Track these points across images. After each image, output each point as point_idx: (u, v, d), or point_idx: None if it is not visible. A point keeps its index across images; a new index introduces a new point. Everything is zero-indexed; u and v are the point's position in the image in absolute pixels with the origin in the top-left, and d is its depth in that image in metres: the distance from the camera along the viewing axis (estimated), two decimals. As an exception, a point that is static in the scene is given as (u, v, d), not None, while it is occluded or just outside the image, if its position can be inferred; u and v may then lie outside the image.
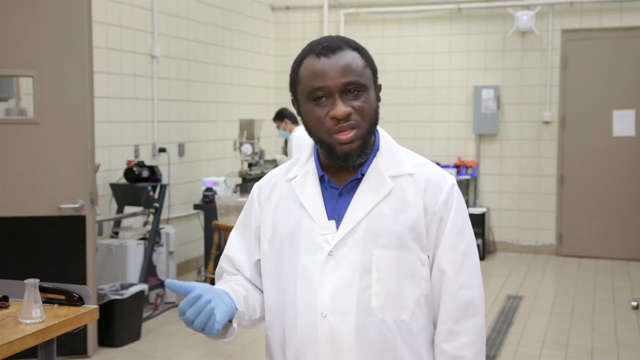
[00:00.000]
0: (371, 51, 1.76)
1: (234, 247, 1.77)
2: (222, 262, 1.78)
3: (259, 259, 1.73)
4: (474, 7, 8.13)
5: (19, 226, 4.42)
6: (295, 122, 7.01)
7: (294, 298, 1.62)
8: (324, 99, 1.58)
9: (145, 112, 6.42)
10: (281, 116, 7.04)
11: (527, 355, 4.84)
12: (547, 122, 7.98)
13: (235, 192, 6.45)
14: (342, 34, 8.53)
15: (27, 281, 2.16)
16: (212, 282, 5.95)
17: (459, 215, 1.63)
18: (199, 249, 7.05)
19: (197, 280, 6.10)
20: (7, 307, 2.31)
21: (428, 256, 1.62)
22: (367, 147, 1.61)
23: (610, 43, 7.78)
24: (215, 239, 5.78)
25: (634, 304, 5.87)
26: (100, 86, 5.66)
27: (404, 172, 1.64)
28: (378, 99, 1.64)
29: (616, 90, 7.75)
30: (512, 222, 8.18)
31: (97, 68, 5.40)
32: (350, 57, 1.59)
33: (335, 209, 1.64)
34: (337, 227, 1.62)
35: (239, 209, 5.74)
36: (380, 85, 1.67)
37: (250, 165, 6.74)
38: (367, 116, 1.59)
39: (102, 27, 5.76)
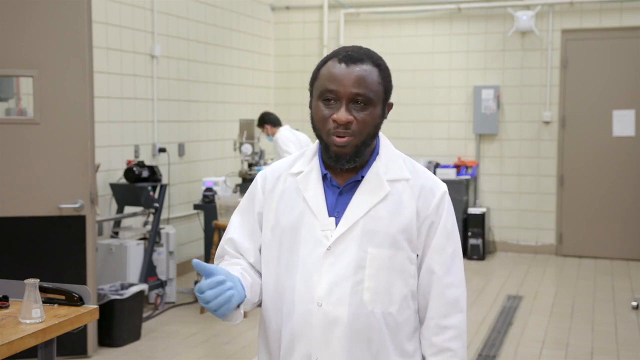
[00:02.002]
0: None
1: (238, 232, 1.87)
2: (226, 245, 1.88)
3: (261, 244, 1.84)
4: (474, 7, 8.13)
5: (19, 226, 4.42)
6: (275, 125, 6.89)
7: (293, 286, 1.75)
8: (332, 101, 1.71)
9: (145, 112, 6.42)
10: (262, 122, 6.91)
11: (527, 355, 4.84)
12: (547, 122, 7.98)
13: (235, 192, 6.44)
14: (342, 34, 8.55)
15: (27, 281, 2.16)
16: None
17: (449, 220, 1.78)
18: (199, 249, 7.05)
19: (197, 281, 6.12)
20: (7, 307, 2.31)
21: (417, 255, 1.76)
22: (359, 155, 1.73)
23: (610, 43, 7.78)
24: (215, 239, 5.77)
25: (634, 304, 5.87)
26: (100, 86, 5.65)
27: (400, 177, 1.78)
28: (383, 116, 1.76)
29: (616, 90, 7.75)
30: (512, 222, 8.18)
31: (97, 68, 5.40)
32: (367, 71, 1.70)
33: (335, 206, 1.77)
34: (337, 223, 1.75)
35: (239, 209, 5.73)
36: (391, 104, 1.79)
37: (250, 165, 6.74)
38: (366, 129, 1.71)
39: (102, 27, 5.76)
